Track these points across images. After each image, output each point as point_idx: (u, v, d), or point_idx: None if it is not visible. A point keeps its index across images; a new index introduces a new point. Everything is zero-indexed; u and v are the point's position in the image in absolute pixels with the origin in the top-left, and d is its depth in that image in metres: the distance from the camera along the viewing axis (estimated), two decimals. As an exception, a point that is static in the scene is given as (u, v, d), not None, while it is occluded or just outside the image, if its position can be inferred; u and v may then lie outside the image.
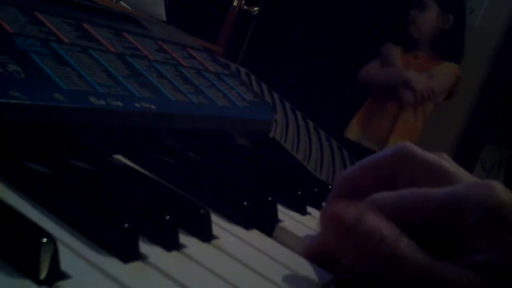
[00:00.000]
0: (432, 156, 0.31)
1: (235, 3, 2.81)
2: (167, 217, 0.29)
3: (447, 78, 1.93)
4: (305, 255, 0.33)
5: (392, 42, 2.04)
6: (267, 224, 0.37)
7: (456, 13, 1.93)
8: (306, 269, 0.32)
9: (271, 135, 0.62)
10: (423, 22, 1.91)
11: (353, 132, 2.00)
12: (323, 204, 0.45)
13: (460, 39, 1.96)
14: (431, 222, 0.28)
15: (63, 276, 0.22)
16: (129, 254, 0.26)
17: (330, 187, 0.48)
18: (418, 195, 0.29)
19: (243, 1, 2.83)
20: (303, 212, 0.42)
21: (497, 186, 0.27)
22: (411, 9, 1.93)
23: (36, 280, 0.21)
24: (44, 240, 0.22)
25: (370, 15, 2.46)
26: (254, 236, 0.35)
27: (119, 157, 0.40)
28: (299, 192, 0.42)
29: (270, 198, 0.38)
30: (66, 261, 0.23)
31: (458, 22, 1.93)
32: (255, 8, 2.88)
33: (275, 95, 0.81)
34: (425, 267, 0.26)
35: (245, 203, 0.35)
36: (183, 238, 0.30)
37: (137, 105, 0.41)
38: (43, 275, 0.21)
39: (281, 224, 0.37)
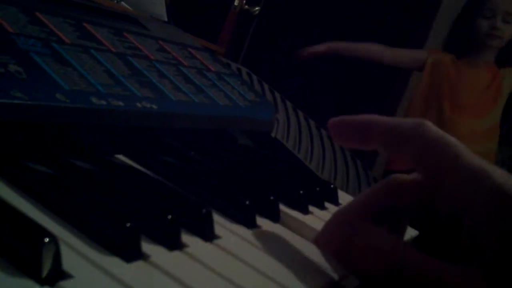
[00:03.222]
0: (445, 139, 0.30)
1: (236, 3, 2.81)
2: (169, 217, 0.29)
3: None
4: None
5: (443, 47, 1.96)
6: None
7: None
8: (309, 269, 0.32)
9: (272, 134, 0.62)
10: (508, 33, 1.82)
11: None
12: (325, 203, 0.45)
13: None
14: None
15: (65, 275, 0.22)
16: (131, 254, 0.26)
17: (332, 186, 0.48)
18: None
19: (244, 1, 2.83)
20: (305, 212, 0.42)
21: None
22: (490, 19, 1.80)
23: (38, 279, 0.21)
24: (46, 239, 0.22)
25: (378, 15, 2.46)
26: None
27: (121, 156, 0.40)
28: (301, 192, 0.42)
29: (272, 197, 0.38)
30: (68, 261, 0.23)
31: None
32: (256, 8, 2.88)
33: (277, 94, 0.80)
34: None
35: (247, 202, 0.35)
36: (185, 238, 0.30)
37: (139, 105, 0.41)
38: (45, 275, 0.21)
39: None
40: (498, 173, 0.28)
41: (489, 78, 1.83)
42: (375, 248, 0.29)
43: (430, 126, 0.31)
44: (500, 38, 1.80)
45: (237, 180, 0.41)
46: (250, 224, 0.35)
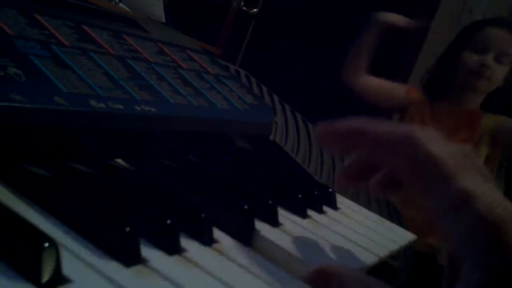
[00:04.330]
0: (437, 157, 0.27)
1: (234, 4, 2.81)
2: (168, 221, 0.29)
3: None
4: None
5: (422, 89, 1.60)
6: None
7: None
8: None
9: (271, 137, 0.62)
10: (500, 76, 1.46)
11: None
12: (324, 207, 0.45)
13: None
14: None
15: (65, 280, 0.22)
16: (130, 258, 0.26)
17: (330, 190, 0.48)
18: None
19: (242, 2, 2.83)
20: (304, 215, 0.42)
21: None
22: (480, 54, 1.44)
23: (38, 284, 0.21)
24: (46, 244, 0.22)
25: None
26: (255, 239, 0.35)
27: (120, 160, 0.40)
28: (300, 195, 0.42)
29: (270, 202, 0.38)
30: (68, 265, 0.23)
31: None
32: (254, 10, 2.88)
33: (275, 97, 0.81)
34: None
35: (245, 206, 0.35)
36: (184, 242, 0.30)
37: (137, 107, 0.41)
38: (45, 279, 0.21)
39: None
40: (487, 200, 0.25)
41: (466, 127, 1.50)
42: None
43: (420, 138, 0.27)
44: (488, 79, 1.46)
45: (236, 184, 0.41)
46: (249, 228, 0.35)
